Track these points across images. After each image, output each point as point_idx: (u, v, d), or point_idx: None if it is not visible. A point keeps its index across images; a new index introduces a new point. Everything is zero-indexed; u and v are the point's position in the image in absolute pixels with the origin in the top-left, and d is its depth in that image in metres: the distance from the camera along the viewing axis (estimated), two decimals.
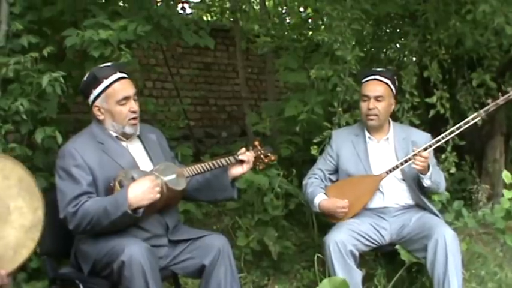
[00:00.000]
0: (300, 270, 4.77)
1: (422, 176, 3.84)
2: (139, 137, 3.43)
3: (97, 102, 3.30)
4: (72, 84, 4.31)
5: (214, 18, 7.62)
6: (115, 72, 3.32)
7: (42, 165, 4.17)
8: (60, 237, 3.30)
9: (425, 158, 3.78)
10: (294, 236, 5.16)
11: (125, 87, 3.31)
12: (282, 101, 5.91)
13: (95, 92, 3.29)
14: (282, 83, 7.94)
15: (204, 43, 4.73)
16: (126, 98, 3.29)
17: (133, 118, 3.32)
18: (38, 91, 3.87)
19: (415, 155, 3.79)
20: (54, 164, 4.09)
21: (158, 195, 3.12)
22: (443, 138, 3.91)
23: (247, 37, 6.04)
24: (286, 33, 5.94)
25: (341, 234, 3.76)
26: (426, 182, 3.84)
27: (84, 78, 3.36)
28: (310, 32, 6.49)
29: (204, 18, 7.10)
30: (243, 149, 3.58)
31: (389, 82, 4.07)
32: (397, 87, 4.19)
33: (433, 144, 3.90)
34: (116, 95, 3.28)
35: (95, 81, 3.29)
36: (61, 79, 3.77)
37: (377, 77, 4.07)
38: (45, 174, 4.04)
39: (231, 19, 6.86)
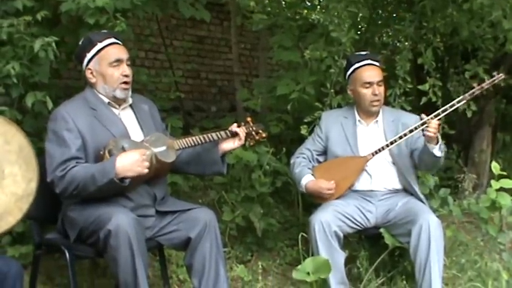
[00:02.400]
0: (283, 248, 4.81)
1: (432, 146, 3.78)
2: (131, 106, 3.44)
3: (90, 65, 3.34)
4: (65, 50, 4.28)
5: None
6: (109, 37, 3.37)
7: (31, 130, 4.15)
8: (47, 202, 3.29)
9: (438, 125, 3.76)
10: (279, 214, 5.18)
11: (118, 51, 3.36)
12: (274, 78, 5.89)
13: (89, 55, 3.33)
14: (274, 60, 7.92)
15: (199, 16, 4.71)
16: (119, 61, 3.33)
17: (125, 82, 3.34)
18: (30, 55, 3.83)
19: (424, 123, 3.77)
20: (44, 129, 4.12)
21: (146, 170, 3.13)
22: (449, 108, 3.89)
23: (242, 13, 5.99)
24: (282, 11, 5.88)
25: (326, 214, 3.79)
26: (437, 153, 3.80)
27: (80, 43, 3.40)
28: (306, 11, 6.47)
29: None
30: (235, 125, 3.58)
31: (378, 64, 4.11)
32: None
33: (441, 113, 3.86)
34: (109, 57, 3.32)
35: (90, 44, 3.34)
36: (54, 44, 3.73)
37: (370, 61, 4.09)
38: (34, 139, 4.01)
39: None
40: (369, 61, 4.09)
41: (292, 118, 5.47)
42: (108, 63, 3.31)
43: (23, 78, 3.85)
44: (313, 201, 4.18)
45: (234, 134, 3.56)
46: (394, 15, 6.05)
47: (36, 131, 4.14)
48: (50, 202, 3.30)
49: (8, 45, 3.86)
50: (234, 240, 4.68)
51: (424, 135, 3.77)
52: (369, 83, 4.03)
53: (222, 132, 3.53)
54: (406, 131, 3.88)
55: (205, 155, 3.53)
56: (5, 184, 2.57)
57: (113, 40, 3.37)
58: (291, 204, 5.36)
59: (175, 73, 6.67)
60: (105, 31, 3.54)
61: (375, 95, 4.01)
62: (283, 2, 6.19)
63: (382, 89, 4.04)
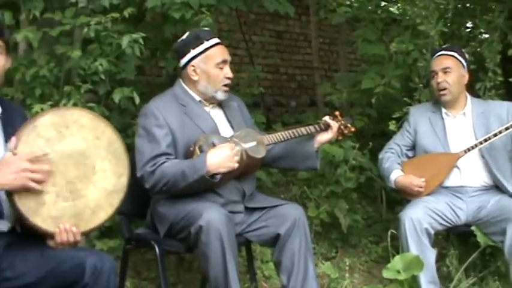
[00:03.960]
0: (367, 245, 4.75)
1: None
2: (219, 103, 3.42)
3: (194, 62, 3.31)
4: (149, 46, 4.31)
5: None
6: (214, 37, 3.36)
7: (118, 126, 4.20)
8: (136, 198, 3.29)
9: None
10: (362, 210, 5.10)
11: (224, 52, 3.35)
12: (357, 72, 5.81)
13: (194, 52, 3.30)
14: (354, 54, 7.82)
15: (283, 10, 4.67)
16: (224, 62, 3.32)
17: (226, 85, 3.33)
18: (117, 52, 3.88)
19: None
20: (130, 125, 4.16)
21: (236, 165, 3.11)
22: None
23: (324, 6, 5.91)
24: (364, 4, 5.78)
25: (417, 211, 3.69)
26: None
27: (184, 37, 3.38)
28: (383, 4, 6.34)
29: None
30: (327, 117, 3.53)
31: (455, 54, 4.00)
32: (468, 61, 4.09)
33: None
34: (216, 57, 3.30)
35: (197, 41, 3.31)
36: (141, 41, 3.77)
37: (443, 52, 4.03)
38: (122, 135, 4.06)
39: None
40: (441, 52, 4.04)
41: (376, 112, 5.37)
42: (215, 63, 3.29)
43: (110, 75, 3.90)
44: (396, 198, 4.10)
45: (326, 127, 3.50)
46: (481, 5, 5.84)
47: (122, 127, 4.19)
48: (139, 197, 3.32)
49: (95, 42, 3.92)
50: (318, 236, 4.63)
51: None
52: (433, 71, 3.98)
53: (311, 127, 3.48)
54: (502, 128, 3.75)
55: (299, 150, 3.48)
56: (96, 179, 2.57)
57: (218, 40, 3.35)
58: (373, 200, 5.28)
59: (255, 68, 6.67)
60: (207, 29, 3.53)
61: (438, 83, 3.93)
62: None
63: (449, 76, 3.93)
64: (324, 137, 3.49)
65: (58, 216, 2.48)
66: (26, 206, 2.43)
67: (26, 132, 2.45)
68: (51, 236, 2.49)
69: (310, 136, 3.49)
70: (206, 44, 3.30)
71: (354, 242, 4.71)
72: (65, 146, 2.51)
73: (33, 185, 2.38)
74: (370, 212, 5.20)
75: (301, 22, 7.96)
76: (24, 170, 2.37)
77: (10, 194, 2.43)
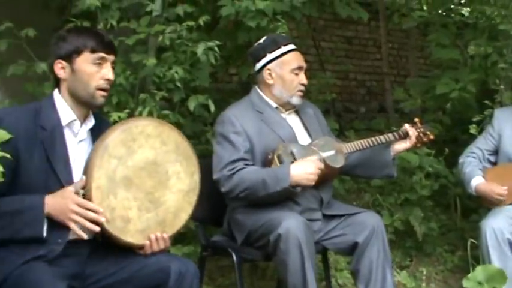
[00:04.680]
0: (442, 253, 4.64)
1: None
2: (296, 110, 3.41)
3: (270, 66, 3.32)
4: (223, 53, 4.33)
5: None
6: (291, 43, 3.37)
7: (191, 133, 4.23)
8: (212, 205, 3.33)
9: None
10: (435, 218, 4.99)
11: (300, 59, 3.36)
12: (430, 78, 5.71)
13: (270, 56, 3.32)
14: (423, 59, 7.70)
15: (356, 15, 4.64)
16: (300, 68, 3.33)
17: (301, 91, 3.33)
18: (191, 60, 3.91)
19: None
20: (203, 132, 4.18)
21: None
22: None
23: (397, 11, 5.83)
24: (435, 8, 5.68)
25: (498, 220, 3.59)
26: None
27: (261, 41, 3.40)
28: (453, 6, 6.22)
29: None
30: (406, 125, 3.48)
31: None
32: None
33: None
34: (292, 63, 3.31)
35: (273, 45, 3.33)
36: (216, 48, 3.79)
37: None
38: (195, 142, 4.09)
39: None
40: None
41: (450, 118, 5.27)
42: (291, 69, 3.30)
43: (184, 82, 3.93)
44: (471, 206, 3.99)
45: (404, 135, 3.45)
46: None
47: (195, 134, 4.22)
48: (215, 205, 3.34)
49: (169, 50, 3.96)
50: (393, 244, 4.52)
51: None
52: None
53: (390, 135, 3.44)
54: None
55: (376, 158, 3.45)
56: (171, 184, 2.62)
57: (294, 46, 3.37)
58: (447, 208, 5.15)
59: (326, 75, 6.63)
60: (284, 35, 3.56)
61: None
62: None
63: None
64: (401, 145, 3.45)
65: (145, 228, 2.54)
66: (113, 227, 2.48)
67: (98, 154, 2.48)
68: (142, 247, 2.55)
69: (391, 143, 3.44)
70: (283, 49, 3.31)
71: (429, 250, 4.60)
72: (137, 160, 2.55)
73: (72, 225, 2.41)
74: (444, 220, 5.08)
75: (370, 27, 7.88)
76: (70, 210, 2.40)
77: None
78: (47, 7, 4.70)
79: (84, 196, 2.43)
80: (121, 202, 2.48)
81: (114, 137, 2.53)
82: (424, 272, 4.10)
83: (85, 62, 2.56)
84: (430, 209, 4.84)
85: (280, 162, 3.14)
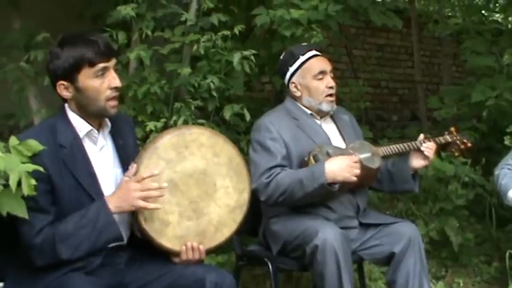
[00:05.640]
0: (478, 264, 4.57)
1: None
2: (332, 117, 3.39)
3: (294, 79, 3.31)
4: (257, 62, 4.33)
5: None
6: (311, 50, 3.33)
7: None
8: (248, 215, 3.29)
9: None
10: (470, 228, 4.93)
11: (321, 63, 3.32)
12: (464, 85, 5.65)
13: (291, 69, 3.30)
14: (455, 67, 7.64)
15: (391, 23, 4.62)
16: (323, 73, 3.28)
17: (330, 95, 3.29)
18: (226, 69, 3.93)
19: None
20: (237, 141, 4.18)
21: (355, 178, 3.06)
22: None
23: (432, 18, 5.79)
24: (470, 15, 5.62)
25: None
26: None
27: (281, 57, 3.39)
28: (486, 13, 6.16)
29: None
30: (422, 136, 3.42)
31: None
32: None
33: None
34: (312, 69, 3.28)
35: (292, 58, 3.32)
36: (252, 57, 3.80)
37: None
38: None
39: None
40: None
41: (487, 126, 5.21)
42: (313, 75, 3.27)
43: (219, 91, 3.94)
44: (506, 216, 3.91)
45: (444, 143, 3.45)
46: None
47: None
48: (251, 215, 3.30)
49: (203, 59, 3.97)
50: (428, 254, 4.47)
51: None
52: None
53: (428, 141, 3.39)
54: None
55: (397, 174, 3.38)
56: (218, 196, 2.60)
57: (314, 52, 3.33)
58: (482, 218, 5.09)
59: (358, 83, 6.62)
60: (305, 44, 3.54)
61: None
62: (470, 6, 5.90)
63: None
64: (419, 162, 3.37)
65: (183, 235, 2.54)
66: (151, 227, 2.48)
67: (147, 155, 2.50)
68: (177, 254, 2.54)
69: (410, 160, 3.37)
70: (301, 59, 3.29)
71: (465, 261, 4.55)
72: (186, 166, 2.55)
73: (142, 203, 2.41)
74: (479, 230, 5.02)
75: (402, 35, 7.85)
76: (133, 190, 2.40)
77: (136, 216, 2.48)
78: (82, 17, 4.74)
79: None
80: (162, 205, 2.47)
81: (165, 140, 2.55)
82: (461, 284, 4.04)
83: (87, 78, 2.43)
84: (465, 218, 4.79)
85: (316, 161, 3.10)
